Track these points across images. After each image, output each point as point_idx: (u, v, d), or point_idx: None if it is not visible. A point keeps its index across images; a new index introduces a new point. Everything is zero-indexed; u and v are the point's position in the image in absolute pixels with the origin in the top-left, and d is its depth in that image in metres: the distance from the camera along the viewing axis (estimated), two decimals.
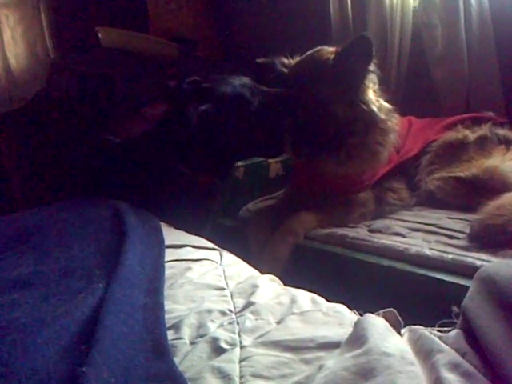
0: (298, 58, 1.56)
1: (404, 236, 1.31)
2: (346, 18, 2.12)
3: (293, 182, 1.72)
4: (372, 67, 1.41)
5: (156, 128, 1.46)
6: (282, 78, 1.52)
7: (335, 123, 1.41)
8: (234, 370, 0.57)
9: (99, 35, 2.34)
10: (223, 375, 0.57)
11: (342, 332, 0.63)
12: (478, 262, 1.07)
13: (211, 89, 1.43)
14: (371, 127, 1.44)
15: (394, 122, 1.48)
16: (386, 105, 1.48)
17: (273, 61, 1.55)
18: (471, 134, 1.55)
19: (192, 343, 0.66)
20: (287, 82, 1.50)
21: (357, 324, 0.61)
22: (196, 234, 1.14)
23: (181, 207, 1.34)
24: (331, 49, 1.47)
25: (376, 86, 1.47)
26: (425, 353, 0.57)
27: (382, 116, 1.44)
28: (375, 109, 1.43)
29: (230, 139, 1.41)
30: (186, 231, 1.16)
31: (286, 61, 1.56)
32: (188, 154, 1.40)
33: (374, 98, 1.45)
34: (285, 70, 1.53)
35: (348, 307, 0.76)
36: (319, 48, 1.51)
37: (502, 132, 1.55)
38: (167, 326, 0.69)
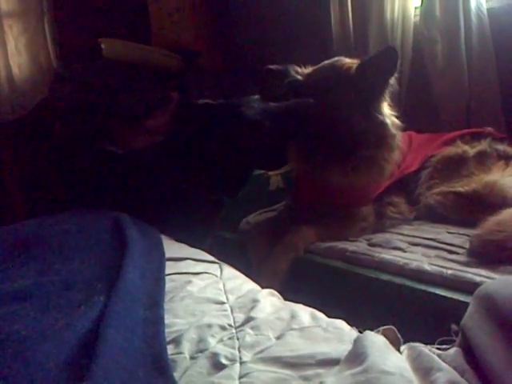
0: (310, 68, 1.56)
1: (404, 250, 1.31)
2: (347, 32, 2.14)
3: (293, 194, 1.72)
4: (392, 81, 1.42)
5: (164, 144, 1.47)
6: (295, 85, 1.52)
7: (350, 133, 1.42)
8: None
9: (102, 46, 2.36)
10: None
11: (342, 349, 0.63)
12: (478, 278, 1.07)
13: (223, 119, 1.44)
14: (381, 141, 1.44)
15: (399, 139, 1.49)
16: (397, 121, 1.49)
17: (286, 68, 1.56)
18: (471, 149, 1.56)
19: (192, 358, 0.66)
20: (302, 89, 1.50)
21: (356, 341, 0.61)
22: (197, 247, 1.14)
23: (182, 221, 1.35)
24: (349, 60, 1.48)
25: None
26: (424, 371, 0.57)
27: (393, 131, 1.45)
28: (389, 123, 1.44)
29: (240, 163, 1.42)
30: (187, 244, 1.16)
31: (299, 69, 1.57)
32: (197, 175, 1.41)
33: (389, 112, 1.47)
34: (299, 77, 1.54)
35: (347, 322, 0.76)
36: (338, 58, 1.51)
37: (501, 147, 1.55)
38: (167, 340, 0.70)
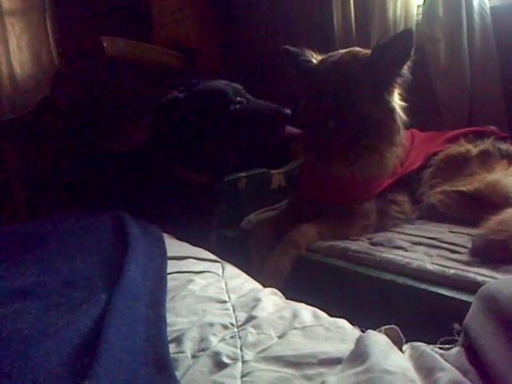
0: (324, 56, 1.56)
1: (406, 250, 1.31)
2: (349, 31, 2.14)
3: (296, 190, 1.71)
4: (405, 69, 1.41)
5: (150, 136, 1.48)
6: (308, 65, 1.54)
7: (359, 119, 1.41)
8: None
9: (104, 44, 2.36)
10: None
11: (344, 348, 0.63)
12: (480, 278, 1.07)
13: (193, 84, 1.46)
14: (386, 132, 1.43)
15: (402, 137, 1.48)
16: (404, 116, 1.48)
17: (302, 49, 1.57)
18: (473, 148, 1.55)
19: (194, 357, 0.66)
20: (315, 70, 1.51)
21: (359, 340, 0.61)
22: (201, 247, 1.14)
23: (185, 220, 1.35)
24: (364, 50, 1.49)
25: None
26: (426, 370, 0.57)
27: (399, 123, 1.44)
28: (398, 113, 1.43)
29: (210, 131, 1.41)
30: (190, 243, 1.16)
31: (313, 54, 1.58)
32: (178, 152, 1.41)
33: (399, 103, 1.46)
34: (313, 60, 1.54)
35: (349, 321, 0.76)
36: (353, 48, 1.52)
37: (504, 146, 1.55)
38: (169, 338, 0.69)
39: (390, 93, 1.43)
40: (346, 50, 1.51)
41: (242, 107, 1.43)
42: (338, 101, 1.41)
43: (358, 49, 1.50)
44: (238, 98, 1.43)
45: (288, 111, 1.44)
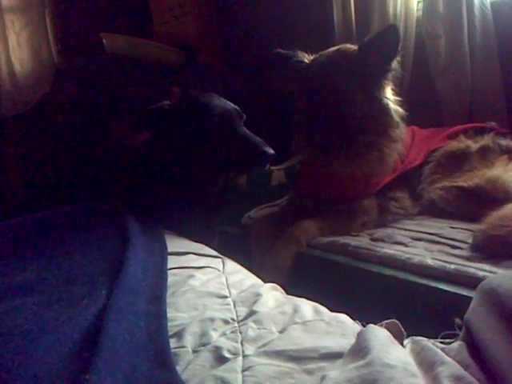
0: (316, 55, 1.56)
1: (406, 245, 1.30)
2: (349, 28, 2.13)
3: (297, 188, 1.71)
4: (394, 64, 1.41)
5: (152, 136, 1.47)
6: (300, 66, 1.53)
7: (352, 117, 1.41)
8: (237, 379, 0.57)
9: (104, 41, 2.35)
10: None
11: (345, 342, 0.63)
12: (481, 273, 1.06)
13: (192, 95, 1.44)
14: (382, 128, 1.43)
15: (402, 132, 1.48)
16: (400, 110, 1.47)
17: (294, 51, 1.56)
18: (474, 144, 1.55)
19: (194, 352, 0.66)
20: (306, 70, 1.51)
21: (359, 335, 0.61)
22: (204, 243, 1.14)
23: (188, 218, 1.34)
24: (354, 46, 1.48)
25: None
26: (427, 365, 0.57)
27: (396, 119, 1.44)
28: (392, 108, 1.43)
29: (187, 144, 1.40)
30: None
31: (305, 54, 1.57)
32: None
33: (393, 98, 1.46)
34: (305, 60, 1.54)
35: (350, 316, 0.76)
36: (344, 44, 1.52)
37: (504, 142, 1.54)
38: (170, 333, 0.70)
39: (381, 88, 1.43)
40: (336, 47, 1.51)
41: (223, 133, 1.39)
42: (327, 101, 1.41)
43: (348, 46, 1.49)
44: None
45: (271, 152, 1.38)
